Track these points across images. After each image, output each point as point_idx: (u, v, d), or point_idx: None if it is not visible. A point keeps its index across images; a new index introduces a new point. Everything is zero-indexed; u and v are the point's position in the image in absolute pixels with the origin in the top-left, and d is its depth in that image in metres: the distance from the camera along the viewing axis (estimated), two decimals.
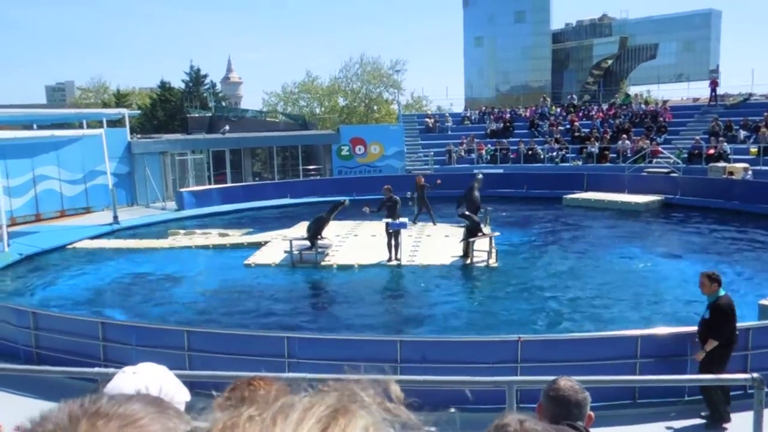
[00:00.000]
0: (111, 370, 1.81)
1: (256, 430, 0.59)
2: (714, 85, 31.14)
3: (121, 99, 49.72)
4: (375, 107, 50.07)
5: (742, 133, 26.34)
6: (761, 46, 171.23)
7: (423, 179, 19.31)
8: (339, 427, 0.59)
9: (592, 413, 2.64)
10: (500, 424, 1.76)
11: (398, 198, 15.13)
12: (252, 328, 10.48)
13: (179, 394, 1.76)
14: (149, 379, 1.72)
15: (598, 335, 7.97)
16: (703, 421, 6.45)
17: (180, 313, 11.80)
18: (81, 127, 27.09)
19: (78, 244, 17.82)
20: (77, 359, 7.92)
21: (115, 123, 29.17)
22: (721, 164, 23.53)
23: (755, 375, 4.56)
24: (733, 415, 6.37)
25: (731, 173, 22.44)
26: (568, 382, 2.63)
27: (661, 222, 19.77)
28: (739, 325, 7.45)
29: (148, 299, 12.79)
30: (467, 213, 14.65)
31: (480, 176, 17.10)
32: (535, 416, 2.25)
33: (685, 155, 25.88)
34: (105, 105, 48.74)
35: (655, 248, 15.92)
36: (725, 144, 25.31)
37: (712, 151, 25.16)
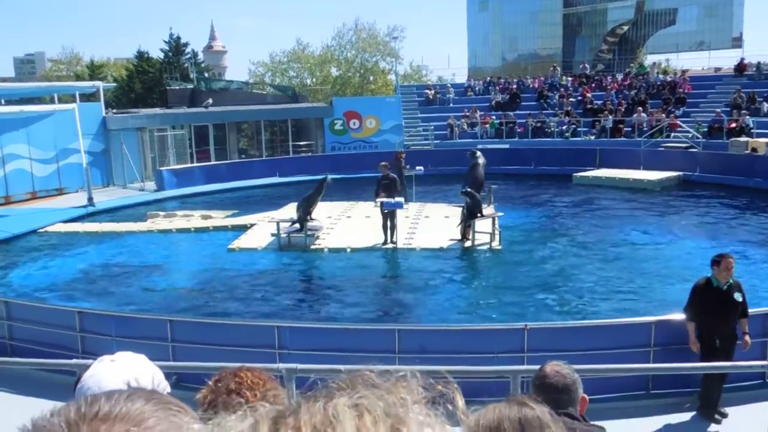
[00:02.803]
0: (89, 361, 1.85)
1: None
2: (741, 68, 30.72)
3: (95, 71, 49.32)
4: (371, 78, 49.82)
5: (766, 106, 26.33)
6: None
7: (404, 154, 19.57)
8: None
9: (585, 396, 2.69)
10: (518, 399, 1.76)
11: (395, 176, 15.16)
12: (239, 317, 10.56)
13: (159, 385, 1.79)
14: (129, 367, 1.76)
15: (610, 322, 8.05)
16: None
17: (161, 301, 11.88)
18: (52, 101, 26.95)
19: (50, 228, 17.84)
20: (53, 351, 7.98)
21: (89, 97, 28.98)
22: (743, 139, 23.56)
23: None
24: (750, 406, 6.49)
25: (754, 149, 22.48)
26: (555, 368, 2.67)
27: (677, 200, 19.85)
28: (759, 310, 7.57)
29: (127, 287, 12.85)
30: (469, 190, 14.65)
31: (478, 153, 17.07)
32: None
33: (705, 129, 25.89)
34: (78, 77, 48.37)
35: (668, 229, 16.04)
36: (748, 117, 25.32)
37: (733, 125, 25.17)
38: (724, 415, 6.52)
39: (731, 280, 6.56)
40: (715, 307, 6.52)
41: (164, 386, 1.80)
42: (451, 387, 0.68)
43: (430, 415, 0.62)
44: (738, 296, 6.56)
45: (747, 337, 6.57)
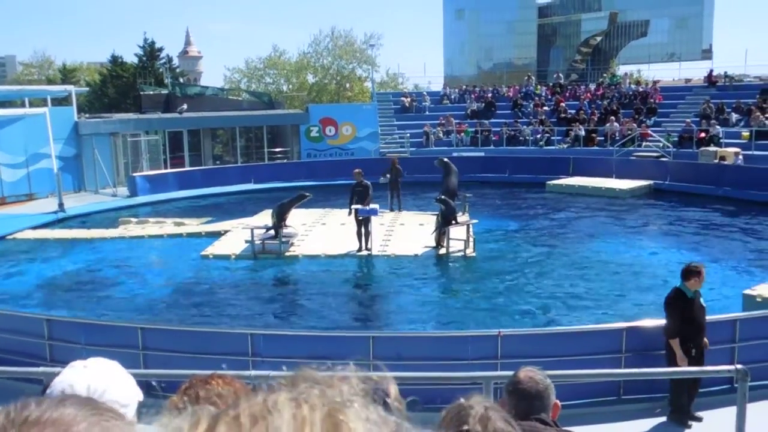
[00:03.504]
0: (57, 369, 1.82)
1: None
2: (710, 79, 31.35)
3: (67, 75, 48.77)
4: (347, 85, 49.90)
5: (734, 116, 26.89)
6: (755, 25, 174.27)
7: (398, 161, 19.56)
8: None
9: (558, 402, 2.71)
10: (465, 405, 1.80)
11: (369, 183, 15.17)
12: (211, 324, 10.46)
13: (131, 392, 1.77)
14: (101, 373, 1.73)
15: (581, 329, 8.14)
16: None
17: (132, 309, 11.73)
18: (23, 105, 26.52)
19: (19, 235, 17.53)
20: (20, 359, 7.83)
21: (61, 101, 28.60)
22: (713, 149, 24.02)
23: (739, 366, 4.72)
24: (719, 410, 6.59)
25: (723, 158, 22.92)
26: (528, 374, 2.70)
27: (648, 209, 20.15)
28: (725, 316, 7.73)
29: (97, 294, 12.67)
30: (444, 198, 14.74)
31: (446, 160, 17.21)
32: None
33: (676, 139, 26.35)
34: (50, 81, 47.74)
35: (639, 237, 16.27)
36: (717, 127, 25.82)
37: (703, 135, 25.65)
38: (698, 419, 6.60)
39: (697, 290, 6.64)
40: (693, 317, 6.54)
41: (137, 393, 1.78)
42: (386, 379, 0.70)
43: (367, 405, 0.63)
44: (702, 300, 6.66)
45: (705, 339, 6.68)
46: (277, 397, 0.61)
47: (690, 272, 6.56)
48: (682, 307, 6.52)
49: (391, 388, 0.69)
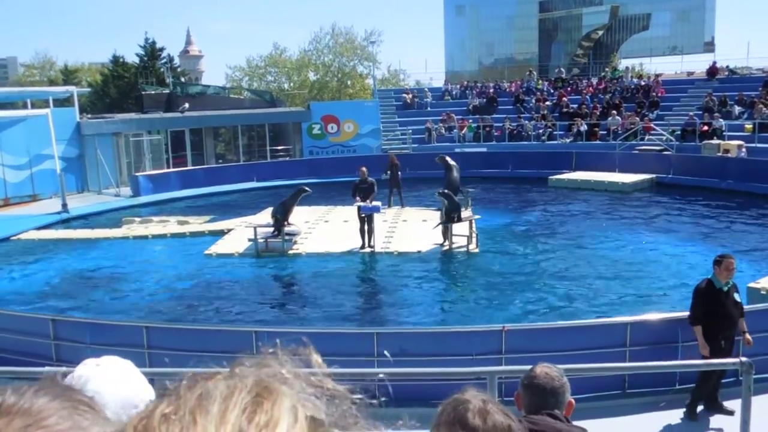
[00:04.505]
0: (62, 369, 1.83)
1: None
2: (712, 72, 31.28)
3: (69, 76, 48.86)
4: (348, 82, 49.90)
5: (737, 109, 26.79)
6: (757, 17, 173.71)
7: (396, 157, 19.58)
8: (265, 413, 0.59)
9: (572, 400, 2.71)
10: (462, 399, 1.78)
11: (374, 180, 15.17)
12: (216, 322, 10.49)
13: (143, 392, 1.77)
14: (114, 372, 1.74)
15: (586, 323, 8.14)
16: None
17: (137, 308, 11.75)
18: (25, 107, 26.56)
19: (23, 236, 17.57)
20: (26, 359, 7.86)
21: (63, 102, 28.66)
22: (716, 141, 23.95)
23: (743, 359, 4.72)
24: (724, 403, 6.58)
25: (727, 151, 22.85)
26: (545, 369, 2.70)
27: (651, 203, 20.12)
28: None
29: (101, 294, 12.70)
30: (446, 191, 14.71)
31: (445, 157, 17.29)
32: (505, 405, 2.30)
33: (678, 132, 26.26)
34: (51, 82, 47.87)
35: (643, 231, 16.23)
36: (720, 120, 25.73)
37: (705, 128, 25.57)
38: (730, 413, 6.43)
39: (731, 281, 6.59)
40: (721, 309, 6.48)
41: (149, 392, 1.78)
42: (308, 349, 0.76)
43: (295, 373, 0.68)
44: (737, 296, 6.61)
45: (747, 336, 6.61)
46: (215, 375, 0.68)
47: (714, 262, 6.62)
48: (708, 298, 6.51)
49: (313, 356, 0.76)
